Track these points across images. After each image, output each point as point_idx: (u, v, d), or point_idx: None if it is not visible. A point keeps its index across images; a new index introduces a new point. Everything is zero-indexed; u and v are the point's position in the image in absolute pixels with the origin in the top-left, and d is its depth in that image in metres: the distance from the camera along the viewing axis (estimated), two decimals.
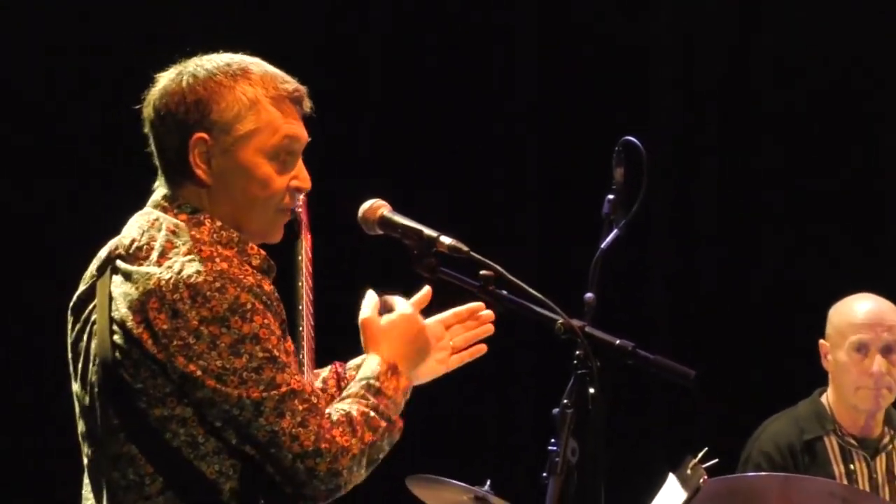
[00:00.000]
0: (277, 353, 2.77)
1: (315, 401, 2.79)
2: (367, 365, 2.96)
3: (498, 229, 6.52)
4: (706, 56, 6.71)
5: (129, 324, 2.77)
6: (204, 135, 2.87)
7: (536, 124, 6.69)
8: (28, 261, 5.89)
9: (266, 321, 2.77)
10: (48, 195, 5.96)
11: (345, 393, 2.93)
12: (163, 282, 2.76)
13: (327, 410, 2.83)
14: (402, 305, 3.04)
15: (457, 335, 3.21)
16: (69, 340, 2.96)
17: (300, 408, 2.77)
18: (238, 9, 6.23)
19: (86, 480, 2.94)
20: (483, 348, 3.22)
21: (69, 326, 2.96)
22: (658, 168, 4.61)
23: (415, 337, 3.01)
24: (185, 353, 2.74)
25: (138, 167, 3.06)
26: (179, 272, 2.77)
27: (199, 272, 2.76)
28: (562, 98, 6.65)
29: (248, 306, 2.76)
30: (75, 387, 2.94)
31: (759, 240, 6.66)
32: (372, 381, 2.91)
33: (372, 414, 2.86)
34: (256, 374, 2.75)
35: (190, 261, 2.79)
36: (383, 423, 2.87)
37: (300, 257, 3.14)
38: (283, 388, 2.76)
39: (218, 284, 2.75)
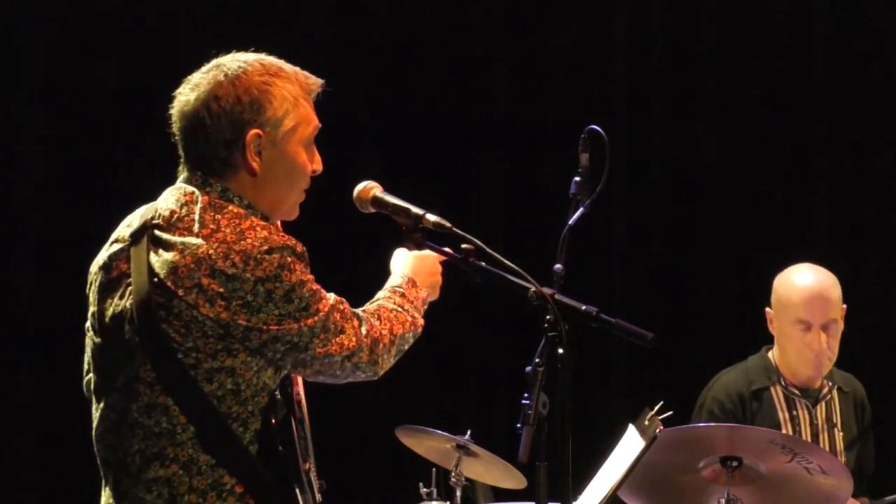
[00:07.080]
0: (315, 287, 3.03)
1: (343, 308, 3.08)
2: (393, 278, 3.29)
3: (480, 208, 6.69)
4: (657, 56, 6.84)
5: (180, 291, 2.94)
6: (259, 131, 3.05)
7: (508, 113, 6.83)
8: None
9: (303, 267, 3.01)
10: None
11: (374, 297, 3.23)
12: (211, 251, 2.95)
13: (359, 311, 3.13)
14: (426, 251, 3.33)
15: None
16: (94, 297, 3.09)
17: (337, 318, 3.04)
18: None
19: (97, 424, 3.06)
20: None
21: (96, 284, 3.09)
22: (616, 153, 4.78)
23: (431, 272, 3.33)
24: (245, 310, 2.94)
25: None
26: (225, 241, 2.96)
27: (245, 240, 2.96)
28: (532, 90, 6.77)
29: (290, 260, 2.98)
30: (96, 340, 3.07)
31: (701, 217, 6.83)
32: (397, 288, 3.24)
33: (399, 310, 3.18)
34: (306, 310, 3.00)
35: (233, 231, 2.98)
36: (409, 318, 3.19)
37: None
38: (325, 310, 3.03)
39: (265, 248, 2.96)
